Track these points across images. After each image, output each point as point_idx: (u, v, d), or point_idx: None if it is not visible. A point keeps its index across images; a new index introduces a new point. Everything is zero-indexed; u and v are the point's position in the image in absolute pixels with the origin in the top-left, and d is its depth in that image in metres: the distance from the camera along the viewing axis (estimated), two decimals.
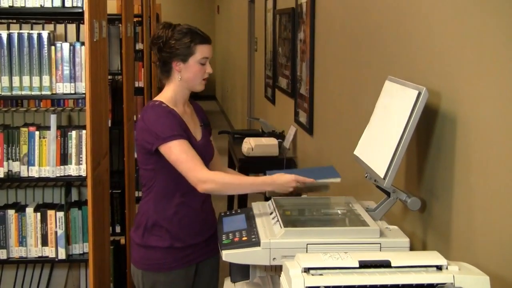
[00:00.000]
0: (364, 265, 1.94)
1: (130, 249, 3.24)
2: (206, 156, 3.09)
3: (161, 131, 2.92)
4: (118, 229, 5.13)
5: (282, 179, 2.82)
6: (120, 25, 5.27)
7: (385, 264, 1.95)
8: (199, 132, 3.14)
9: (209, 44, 3.04)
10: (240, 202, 5.89)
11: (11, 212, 3.71)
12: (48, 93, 3.62)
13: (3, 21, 4.40)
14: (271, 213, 2.70)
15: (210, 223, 3.16)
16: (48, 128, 3.66)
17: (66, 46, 3.61)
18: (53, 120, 3.64)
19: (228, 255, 2.49)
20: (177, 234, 3.04)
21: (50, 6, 3.62)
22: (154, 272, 3.07)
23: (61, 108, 4.24)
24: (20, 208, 3.77)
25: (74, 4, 3.61)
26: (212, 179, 2.86)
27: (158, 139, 2.92)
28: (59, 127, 3.69)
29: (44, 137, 3.64)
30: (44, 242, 3.73)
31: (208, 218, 3.16)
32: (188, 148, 2.92)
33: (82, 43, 3.63)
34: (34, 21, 4.46)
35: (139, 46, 6.79)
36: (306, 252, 2.39)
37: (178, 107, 3.06)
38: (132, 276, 3.18)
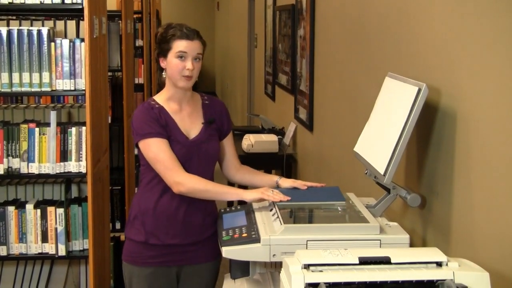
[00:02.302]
0: (364, 261, 1.94)
1: None
2: (203, 155, 3.08)
3: (139, 128, 2.98)
4: (118, 225, 5.15)
5: (250, 196, 2.85)
6: (120, 21, 5.28)
7: (385, 261, 1.95)
8: (195, 130, 3.11)
9: (188, 40, 3.00)
10: None
11: (11, 209, 3.71)
12: (48, 89, 3.62)
13: (3, 17, 4.41)
14: (271, 210, 2.70)
15: (197, 228, 3.09)
16: (48, 124, 3.66)
17: (66, 42, 3.61)
18: (53, 116, 3.64)
19: (228, 252, 2.50)
20: (153, 231, 3.04)
21: (50, 2, 3.62)
22: (131, 264, 3.10)
23: (61, 105, 4.24)
24: (20, 205, 3.77)
25: (74, 1, 3.61)
26: (186, 182, 2.90)
27: (137, 135, 2.99)
28: (59, 123, 3.68)
29: (44, 134, 3.64)
30: (44, 239, 3.73)
31: (194, 222, 3.08)
32: (165, 148, 2.95)
33: (82, 40, 3.62)
34: (33, 17, 4.47)
35: (139, 42, 6.79)
36: (306, 248, 2.39)
37: (171, 105, 3.07)
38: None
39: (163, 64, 3.05)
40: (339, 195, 2.83)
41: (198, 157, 3.05)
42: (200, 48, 3.04)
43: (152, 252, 3.06)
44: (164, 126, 2.99)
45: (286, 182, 3.03)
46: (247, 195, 2.84)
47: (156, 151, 2.94)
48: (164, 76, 3.08)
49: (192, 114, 3.14)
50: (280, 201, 2.74)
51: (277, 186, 3.02)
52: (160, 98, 3.09)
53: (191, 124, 3.11)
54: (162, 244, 3.05)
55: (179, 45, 2.98)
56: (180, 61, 2.98)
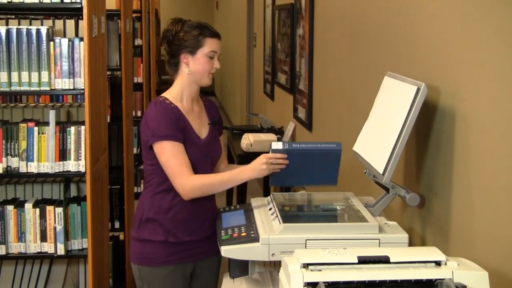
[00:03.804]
0: (363, 260, 1.94)
1: (129, 246, 3.22)
2: (211, 155, 3.11)
3: (156, 128, 2.93)
4: (117, 225, 5.14)
5: (252, 162, 2.89)
6: (119, 20, 5.27)
7: (384, 260, 1.95)
8: (205, 131, 3.12)
9: (218, 39, 3.04)
10: (239, 198, 5.89)
11: (10, 208, 3.71)
12: (47, 88, 3.62)
13: (1, 16, 4.41)
14: (270, 209, 2.70)
15: (209, 223, 3.10)
16: (47, 123, 3.66)
17: (64, 41, 3.61)
18: (52, 115, 3.64)
19: (227, 251, 2.51)
20: (171, 230, 3.03)
21: (49, 1, 3.62)
22: (149, 266, 3.06)
23: (60, 104, 4.24)
24: (19, 204, 3.77)
25: (73, 0, 3.61)
26: (194, 188, 2.90)
27: (153, 136, 2.93)
28: (58, 122, 3.68)
29: (43, 133, 3.64)
30: (43, 238, 3.73)
31: (207, 217, 3.10)
32: (179, 153, 2.92)
33: (81, 39, 3.62)
34: (32, 16, 4.47)
35: (138, 41, 6.79)
36: (305, 247, 2.40)
37: (184, 104, 3.06)
38: (134, 273, 3.17)
39: (185, 60, 3.02)
40: (333, 173, 2.83)
41: (207, 158, 3.07)
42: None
43: (171, 250, 3.04)
44: (182, 129, 2.97)
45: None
46: (249, 174, 2.89)
47: (168, 155, 2.91)
48: (188, 71, 3.02)
49: (201, 115, 3.15)
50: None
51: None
52: (172, 96, 3.05)
53: (201, 125, 3.12)
54: (180, 242, 3.05)
55: (213, 45, 3.01)
56: (210, 60, 3.00)
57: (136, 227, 3.09)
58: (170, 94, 3.06)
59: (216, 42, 3.02)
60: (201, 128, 3.11)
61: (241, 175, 2.91)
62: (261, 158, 2.85)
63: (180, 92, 3.06)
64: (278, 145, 2.78)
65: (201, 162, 3.03)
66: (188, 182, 2.88)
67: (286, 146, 2.72)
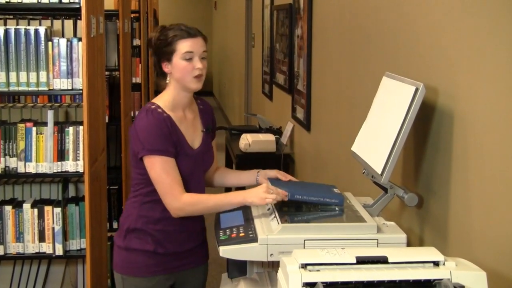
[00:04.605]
0: (361, 261, 1.94)
1: (113, 254, 3.13)
2: (203, 165, 3.02)
3: (147, 141, 2.81)
4: (115, 225, 5.14)
5: (254, 189, 2.73)
6: (118, 21, 5.28)
7: (382, 260, 1.95)
8: (198, 139, 3.00)
9: (192, 38, 2.85)
10: None
11: (8, 208, 3.71)
12: (45, 89, 3.62)
13: (0, 16, 4.40)
14: (268, 209, 2.70)
15: (196, 233, 3.06)
16: (45, 124, 3.66)
17: (63, 42, 3.61)
18: (50, 116, 3.64)
19: (226, 251, 2.49)
20: (160, 240, 2.95)
21: (47, 1, 3.62)
22: (135, 276, 2.97)
23: (58, 104, 4.23)
24: (17, 204, 3.77)
25: (71, 0, 3.61)
26: (184, 207, 2.80)
27: (144, 148, 2.81)
28: (56, 123, 3.69)
29: (41, 133, 3.64)
30: (42, 238, 3.73)
31: (195, 229, 3.05)
32: (171, 168, 2.81)
33: (79, 39, 3.62)
34: (31, 16, 4.47)
35: (136, 42, 6.80)
36: (304, 248, 2.39)
37: (176, 112, 2.92)
38: (116, 282, 3.09)
39: (167, 69, 2.88)
40: (335, 195, 2.75)
41: (200, 168, 2.99)
42: (204, 45, 2.92)
43: (158, 261, 2.96)
44: (175, 142, 2.85)
45: (269, 172, 3.01)
46: (249, 198, 2.71)
47: (159, 171, 2.79)
48: (167, 81, 2.91)
49: (194, 122, 3.02)
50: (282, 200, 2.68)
51: (258, 180, 3.02)
52: (164, 104, 2.90)
53: (194, 133, 2.99)
54: (168, 253, 2.97)
55: (184, 46, 2.83)
56: (188, 62, 2.84)
57: (122, 235, 3.00)
58: (162, 101, 2.91)
59: (190, 42, 2.85)
60: (195, 137, 2.99)
61: (237, 199, 2.76)
62: (263, 187, 2.70)
63: (171, 100, 2.91)
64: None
65: (194, 173, 2.94)
66: (178, 201, 2.79)
67: (289, 195, 2.70)
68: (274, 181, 2.86)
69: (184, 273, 3.07)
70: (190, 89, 2.90)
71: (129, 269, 2.99)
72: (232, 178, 3.23)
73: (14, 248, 3.74)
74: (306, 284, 1.85)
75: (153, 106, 2.88)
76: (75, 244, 3.81)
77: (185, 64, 2.84)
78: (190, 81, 2.87)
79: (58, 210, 3.72)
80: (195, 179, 2.94)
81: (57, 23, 4.24)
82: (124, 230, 2.99)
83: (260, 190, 2.69)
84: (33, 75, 3.59)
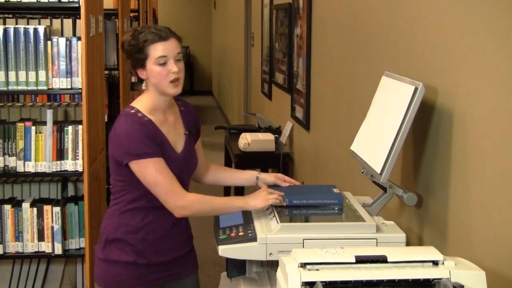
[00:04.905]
0: (360, 260, 1.94)
1: (94, 265, 2.99)
2: (187, 169, 2.88)
3: (133, 146, 2.67)
4: None
5: (255, 193, 2.69)
6: (117, 20, 5.29)
7: (382, 259, 1.95)
8: (181, 142, 2.87)
9: (163, 41, 2.69)
10: None
11: (7, 207, 3.73)
12: (45, 88, 3.64)
13: None
14: (267, 208, 2.70)
15: (182, 243, 2.93)
16: (44, 123, 3.67)
17: (62, 41, 3.62)
18: (49, 115, 3.65)
19: (225, 250, 2.49)
20: (141, 251, 2.80)
21: (47, 1, 3.65)
22: None
23: (58, 103, 4.24)
24: (16, 203, 3.78)
25: None
26: (190, 206, 2.69)
27: (129, 154, 2.67)
28: (55, 122, 3.70)
29: (40, 132, 3.65)
30: (41, 237, 3.74)
31: (179, 238, 2.91)
32: (164, 169, 2.69)
33: (79, 38, 3.64)
34: (30, 16, 4.47)
35: None
36: (303, 247, 2.40)
37: (156, 115, 2.78)
38: None
39: (142, 75, 2.74)
40: (335, 196, 2.74)
41: (184, 172, 2.85)
42: (179, 46, 2.75)
43: (140, 273, 2.81)
44: (160, 145, 2.73)
45: (268, 178, 2.92)
46: (251, 201, 2.66)
47: (154, 173, 2.66)
48: (144, 87, 2.79)
49: (176, 125, 2.88)
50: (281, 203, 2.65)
51: (258, 183, 2.96)
52: (143, 108, 2.76)
53: (176, 136, 2.86)
54: (151, 264, 2.82)
55: (156, 50, 2.67)
56: (162, 67, 2.68)
57: (101, 246, 2.85)
58: (141, 105, 2.77)
59: (162, 46, 2.68)
60: (177, 140, 2.85)
61: (239, 203, 2.69)
62: (263, 190, 2.69)
63: (150, 104, 2.77)
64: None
65: (180, 177, 2.79)
66: (182, 199, 2.68)
67: (287, 201, 2.69)
68: (273, 188, 2.81)
69: (170, 284, 2.92)
70: (167, 95, 2.77)
71: (109, 282, 2.84)
72: (228, 176, 3.12)
73: (13, 247, 3.75)
74: (305, 283, 1.85)
75: (132, 111, 2.75)
76: (74, 243, 3.81)
77: (159, 70, 2.69)
78: (167, 87, 2.72)
79: (57, 209, 3.73)
80: (182, 184, 2.78)
81: (56, 22, 4.24)
82: (103, 241, 2.84)
83: (262, 193, 2.67)
84: (32, 74, 3.60)
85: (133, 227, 2.79)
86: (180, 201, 2.68)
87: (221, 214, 2.74)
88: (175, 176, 2.72)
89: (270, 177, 2.93)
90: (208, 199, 2.73)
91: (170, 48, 2.70)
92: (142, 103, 2.78)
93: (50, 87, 3.64)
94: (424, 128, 2.66)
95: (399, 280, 1.89)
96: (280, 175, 2.95)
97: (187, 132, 2.90)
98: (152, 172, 2.67)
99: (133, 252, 2.80)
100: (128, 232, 2.79)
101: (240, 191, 5.79)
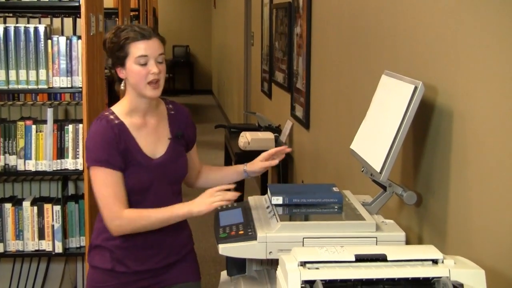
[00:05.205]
0: (360, 258, 1.94)
1: None
2: (166, 176, 2.75)
3: (92, 150, 2.63)
4: None
5: (198, 198, 2.60)
6: (117, 19, 5.29)
7: (381, 258, 1.95)
8: (162, 147, 2.75)
9: (145, 40, 2.59)
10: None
11: (8, 206, 3.74)
12: (45, 87, 3.65)
13: None
14: (267, 207, 2.71)
15: (169, 250, 2.81)
16: (44, 122, 3.68)
17: (62, 40, 3.63)
18: (49, 114, 3.66)
19: (225, 249, 2.49)
20: (119, 258, 2.73)
21: (47, 0, 3.64)
22: None
23: (58, 102, 4.26)
24: (17, 202, 3.79)
25: None
26: (123, 225, 2.61)
27: (88, 159, 2.65)
28: (55, 121, 3.71)
29: (40, 131, 3.67)
30: (41, 236, 3.75)
31: (165, 244, 2.79)
32: (112, 182, 2.60)
33: (79, 37, 3.65)
34: (30, 15, 4.48)
35: None
36: (303, 246, 2.40)
37: (134, 118, 2.70)
38: None
39: (121, 74, 2.65)
40: (334, 194, 2.75)
41: (163, 179, 2.72)
42: (161, 47, 2.65)
43: (120, 281, 2.75)
44: (122, 152, 2.63)
45: (254, 165, 2.92)
46: (195, 208, 2.58)
47: (99, 184, 2.60)
48: (122, 87, 2.70)
49: (158, 129, 2.76)
50: (231, 200, 2.61)
51: (248, 175, 2.98)
52: (120, 110, 2.70)
53: (156, 141, 2.74)
54: (131, 272, 2.75)
55: (137, 49, 2.58)
56: (142, 67, 2.58)
57: (88, 252, 2.84)
58: (119, 107, 2.72)
59: (144, 45, 2.59)
60: (157, 145, 2.74)
61: (182, 210, 2.61)
62: (207, 194, 2.60)
63: (128, 106, 2.69)
64: (278, 200, 2.73)
65: (153, 186, 2.70)
66: (117, 218, 2.60)
67: (287, 200, 2.69)
68: (272, 186, 2.81)
69: None
70: (146, 97, 2.65)
71: (91, 287, 2.81)
72: (218, 176, 3.02)
73: (13, 245, 3.76)
74: (305, 282, 1.84)
75: (106, 113, 2.70)
76: (74, 242, 3.82)
77: (139, 69, 2.59)
78: (145, 88, 2.61)
79: (57, 208, 3.74)
80: (154, 193, 2.71)
81: (57, 21, 4.25)
82: (89, 246, 2.84)
83: (205, 197, 2.59)
84: (32, 73, 3.61)
85: (111, 234, 2.70)
86: (113, 219, 2.61)
87: (164, 226, 2.65)
88: (124, 192, 2.63)
89: (257, 164, 2.92)
90: (146, 214, 2.62)
91: (152, 48, 2.60)
92: (121, 105, 2.71)
93: (51, 86, 3.65)
94: (424, 127, 2.66)
95: (399, 279, 1.89)
96: (264, 154, 2.91)
97: (171, 137, 2.77)
98: (98, 182, 2.62)
99: (111, 259, 2.73)
100: (107, 238, 2.72)
101: (240, 191, 5.80)
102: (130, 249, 2.72)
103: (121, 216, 2.60)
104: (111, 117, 2.67)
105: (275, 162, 2.89)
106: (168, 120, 2.79)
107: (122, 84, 2.69)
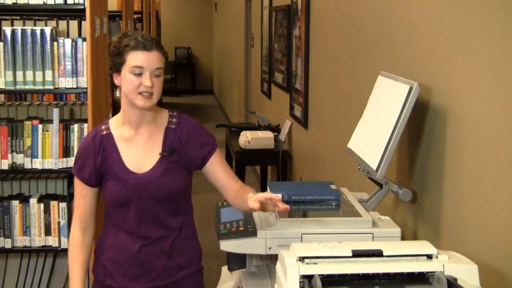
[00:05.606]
0: (357, 254, 1.96)
1: None
2: (153, 192, 2.55)
3: (76, 158, 2.64)
4: None
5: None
6: (121, 21, 5.31)
7: (377, 253, 1.97)
8: (150, 162, 2.57)
9: (144, 51, 2.45)
10: None
11: (15, 203, 3.77)
12: (51, 87, 3.67)
13: (6, 17, 4.44)
14: None
15: (161, 270, 2.65)
16: (50, 121, 3.70)
17: (68, 42, 3.66)
18: (55, 113, 3.68)
19: (226, 245, 2.53)
20: (110, 271, 2.66)
21: (53, 3, 3.66)
22: None
23: (64, 102, 4.26)
24: (24, 199, 3.82)
25: (76, 1, 3.66)
26: (69, 240, 2.67)
27: (74, 164, 2.67)
28: (61, 120, 3.73)
29: (47, 130, 3.69)
30: (48, 232, 3.78)
31: (157, 265, 2.64)
32: (79, 193, 2.61)
33: (84, 39, 3.67)
34: (37, 17, 4.50)
35: None
36: (301, 241, 2.43)
37: (125, 130, 2.59)
38: None
39: (116, 80, 2.52)
40: (331, 192, 2.75)
41: (145, 196, 2.55)
42: (160, 61, 2.49)
43: None
44: (99, 164, 2.56)
45: (249, 200, 2.41)
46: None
47: (77, 193, 2.63)
48: (118, 94, 2.58)
49: (148, 142, 2.59)
50: None
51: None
52: (114, 121, 2.62)
53: (145, 155, 2.58)
54: (118, 287, 2.66)
55: (134, 59, 2.44)
56: (135, 77, 2.44)
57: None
58: (116, 118, 2.64)
59: (142, 55, 2.45)
60: (145, 159, 2.57)
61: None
62: None
63: (123, 115, 2.59)
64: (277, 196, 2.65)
65: (132, 202, 2.55)
66: (72, 227, 2.66)
67: (286, 197, 2.67)
68: (272, 184, 2.84)
69: None
70: (136, 106, 2.50)
71: None
72: (242, 201, 2.52)
73: (21, 241, 3.78)
74: (303, 276, 1.87)
75: (102, 124, 2.65)
76: None
77: (132, 79, 2.45)
78: (136, 98, 2.47)
79: (63, 204, 3.77)
80: (135, 210, 2.57)
81: (62, 24, 4.28)
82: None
83: None
84: (39, 74, 3.63)
85: (104, 245, 2.68)
86: (71, 232, 2.66)
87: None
88: (88, 207, 2.63)
89: (250, 201, 2.39)
90: (72, 254, 2.64)
91: (150, 60, 2.45)
92: (117, 116, 2.63)
93: (57, 86, 3.67)
94: (419, 126, 2.68)
95: (394, 273, 1.92)
96: (262, 196, 2.35)
97: (163, 153, 2.59)
98: (76, 191, 2.65)
99: (103, 271, 2.69)
100: (102, 249, 2.69)
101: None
102: (120, 263, 2.63)
103: (72, 230, 2.65)
104: (103, 127, 2.61)
105: (258, 207, 2.35)
106: (164, 135, 2.61)
107: (118, 91, 2.58)
